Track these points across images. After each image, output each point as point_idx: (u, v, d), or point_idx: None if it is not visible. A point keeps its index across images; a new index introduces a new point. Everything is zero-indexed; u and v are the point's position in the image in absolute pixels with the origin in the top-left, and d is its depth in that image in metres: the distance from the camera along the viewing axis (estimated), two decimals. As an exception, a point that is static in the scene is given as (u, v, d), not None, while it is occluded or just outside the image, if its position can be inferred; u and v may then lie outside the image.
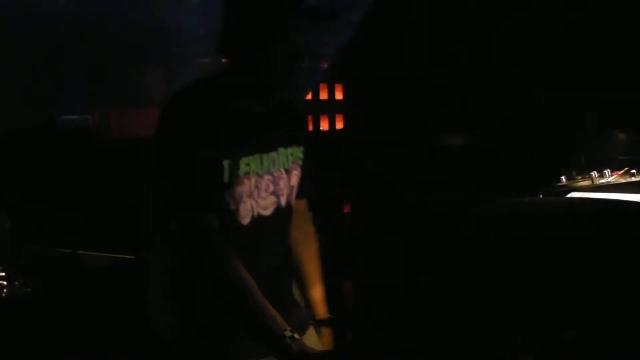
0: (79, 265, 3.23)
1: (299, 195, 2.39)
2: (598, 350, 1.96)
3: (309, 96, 5.25)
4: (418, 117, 5.28)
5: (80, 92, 3.39)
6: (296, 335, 2.03)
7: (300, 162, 2.34)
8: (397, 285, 3.75)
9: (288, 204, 2.31)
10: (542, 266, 2.35)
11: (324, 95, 5.41)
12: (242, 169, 2.13)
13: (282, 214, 2.29)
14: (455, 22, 5.05)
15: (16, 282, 2.97)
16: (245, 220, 2.17)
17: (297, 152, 2.34)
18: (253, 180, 2.16)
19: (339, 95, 5.53)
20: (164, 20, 3.38)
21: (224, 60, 2.19)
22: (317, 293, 2.43)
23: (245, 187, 2.14)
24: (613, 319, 2.14)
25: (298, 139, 2.35)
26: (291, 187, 2.31)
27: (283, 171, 2.27)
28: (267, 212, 2.23)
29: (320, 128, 5.35)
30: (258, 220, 2.20)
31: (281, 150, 2.26)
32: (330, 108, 5.45)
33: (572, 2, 4.60)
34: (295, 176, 2.33)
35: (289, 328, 2.03)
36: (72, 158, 3.84)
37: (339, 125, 5.51)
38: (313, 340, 2.33)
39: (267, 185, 2.21)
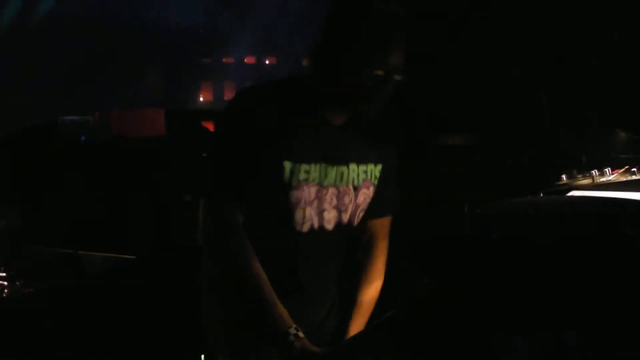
0: (80, 265, 3.23)
1: (376, 214, 2.34)
2: (598, 351, 1.96)
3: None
4: (417, 116, 5.28)
5: (81, 93, 3.39)
6: (300, 334, 2.03)
7: (375, 180, 2.28)
8: (396, 286, 3.75)
9: (350, 221, 2.25)
10: (542, 266, 2.35)
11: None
12: (301, 175, 2.10)
13: (343, 230, 2.24)
14: (454, 21, 5.05)
15: (17, 282, 2.98)
16: (304, 227, 2.14)
17: (374, 170, 2.27)
18: (313, 190, 2.13)
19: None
20: (164, 21, 3.39)
21: (306, 64, 2.17)
22: (353, 326, 2.32)
23: (302, 193, 2.11)
24: (613, 320, 2.14)
25: (378, 156, 2.28)
26: (357, 205, 2.25)
27: (351, 187, 2.21)
28: (329, 226, 2.19)
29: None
30: (319, 232, 2.17)
31: (352, 165, 2.20)
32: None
33: (572, 1, 4.60)
34: (364, 195, 2.26)
35: (294, 326, 2.04)
36: (73, 158, 3.84)
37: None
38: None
39: (331, 199, 2.17)
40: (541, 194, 3.78)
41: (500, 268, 2.36)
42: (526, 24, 4.81)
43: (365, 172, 2.25)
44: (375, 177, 2.28)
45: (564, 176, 4.04)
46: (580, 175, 4.06)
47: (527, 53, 4.75)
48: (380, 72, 2.05)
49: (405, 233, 4.50)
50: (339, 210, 2.21)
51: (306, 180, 2.11)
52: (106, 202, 3.87)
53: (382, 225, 2.39)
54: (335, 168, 2.16)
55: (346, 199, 2.21)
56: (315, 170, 2.12)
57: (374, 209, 2.32)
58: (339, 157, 2.17)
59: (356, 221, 2.28)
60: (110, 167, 4.06)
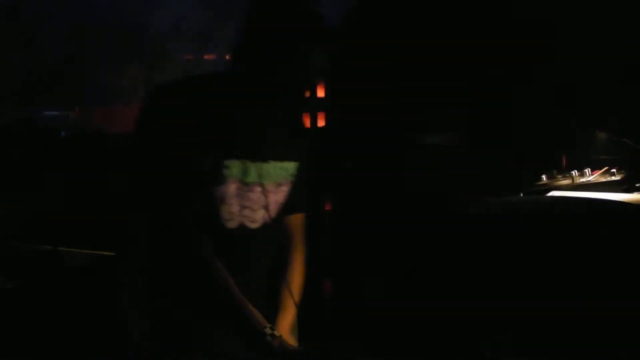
0: (60, 261, 3.21)
1: (293, 210, 2.35)
2: (584, 351, 1.98)
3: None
4: (400, 115, 5.28)
5: (61, 88, 3.37)
6: (276, 333, 2.03)
7: (292, 178, 2.28)
8: (378, 285, 3.75)
9: (275, 219, 2.26)
10: (521, 265, 2.36)
11: (305, 93, 5.40)
12: (222, 170, 2.09)
13: (269, 229, 2.24)
14: (440, 20, 5.06)
15: (-4, 279, 2.96)
16: (230, 224, 2.13)
17: (291, 167, 2.28)
18: (233, 186, 2.11)
19: (320, 93, 5.52)
20: (145, 17, 3.37)
21: (227, 58, 2.17)
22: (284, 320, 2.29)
23: (223, 189, 2.09)
24: (591, 318, 2.15)
25: (295, 153, 2.29)
26: (279, 203, 2.26)
27: (273, 185, 2.22)
28: (254, 225, 2.18)
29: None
30: (244, 230, 2.16)
31: (273, 163, 2.21)
32: (312, 106, 5.44)
33: (556, 3, 4.62)
34: (283, 193, 2.26)
35: (269, 325, 2.04)
36: (51, 154, 3.81)
37: (321, 123, 5.51)
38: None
39: (258, 197, 2.17)
40: (521, 194, 3.80)
41: (480, 267, 2.37)
42: (506, 22, 4.82)
43: (286, 169, 2.25)
44: (293, 175, 2.29)
45: (544, 176, 4.07)
46: (560, 176, 4.09)
47: (508, 52, 4.77)
48: (300, 66, 2.06)
49: (386, 231, 4.51)
50: (266, 209, 2.20)
51: (227, 176, 2.09)
52: (85, 198, 3.85)
53: (297, 221, 2.40)
54: (255, 165, 2.15)
55: (270, 197, 2.20)
56: (235, 166, 2.11)
57: (290, 206, 2.33)
58: (259, 153, 2.16)
59: (279, 218, 2.28)
60: (90, 163, 4.04)
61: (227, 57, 2.18)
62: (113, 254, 3.28)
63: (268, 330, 2.02)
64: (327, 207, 5.22)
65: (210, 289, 2.07)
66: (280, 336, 2.04)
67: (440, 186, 4.59)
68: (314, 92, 5.45)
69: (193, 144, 2.04)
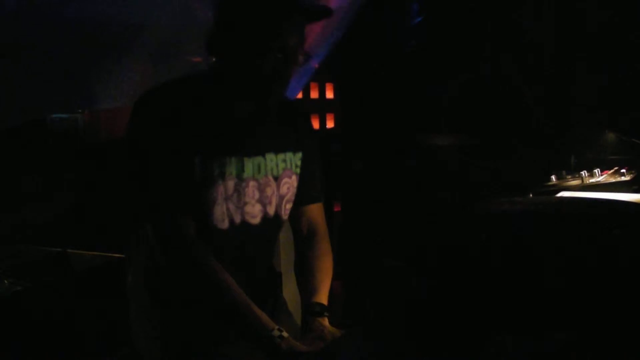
0: (69, 264, 3.22)
1: (307, 201, 2.32)
2: (587, 352, 1.96)
3: (300, 95, 5.24)
4: (408, 117, 5.28)
5: (70, 90, 3.38)
6: (284, 334, 2.00)
7: (296, 169, 2.25)
8: (388, 285, 3.75)
9: (277, 214, 2.22)
10: (531, 266, 2.36)
11: (314, 94, 5.41)
12: (215, 170, 2.05)
13: (270, 224, 2.21)
14: (447, 24, 5.05)
15: (5, 281, 2.97)
16: (222, 224, 2.10)
17: (293, 158, 2.24)
18: (231, 184, 2.08)
19: (329, 95, 5.53)
20: (154, 18, 3.37)
21: (213, 58, 2.13)
22: (319, 278, 2.27)
23: (219, 188, 2.07)
24: (603, 320, 2.14)
25: (296, 144, 2.25)
26: (281, 197, 2.22)
27: (271, 178, 2.18)
28: (254, 221, 2.15)
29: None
30: (242, 227, 2.14)
31: (270, 156, 2.17)
32: (321, 107, 5.45)
33: (562, 3, 4.61)
34: (287, 185, 2.23)
35: (277, 327, 2.01)
36: (62, 157, 3.82)
37: (330, 124, 5.51)
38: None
39: (253, 192, 2.14)
40: (530, 195, 3.79)
41: (489, 268, 2.36)
42: (515, 23, 4.82)
43: (285, 161, 2.22)
44: (297, 166, 2.25)
45: (553, 177, 4.05)
46: (569, 176, 4.07)
47: (518, 54, 4.76)
48: (280, 54, 2.01)
49: (394, 232, 4.51)
50: (263, 203, 2.16)
51: (222, 174, 2.06)
52: (95, 200, 3.86)
53: (316, 211, 2.37)
54: (251, 159, 2.12)
55: (268, 191, 2.17)
56: (230, 163, 2.08)
57: (303, 196, 2.30)
58: (254, 147, 2.13)
59: (283, 213, 2.24)
60: (100, 165, 4.05)
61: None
62: (122, 256, 3.29)
63: (276, 332, 1.98)
64: (337, 209, 5.23)
65: (210, 293, 2.04)
66: (289, 338, 2.01)
67: (449, 187, 4.59)
68: (323, 93, 5.46)
69: (186, 145, 2.01)
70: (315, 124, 5.39)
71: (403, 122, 5.30)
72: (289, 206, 2.26)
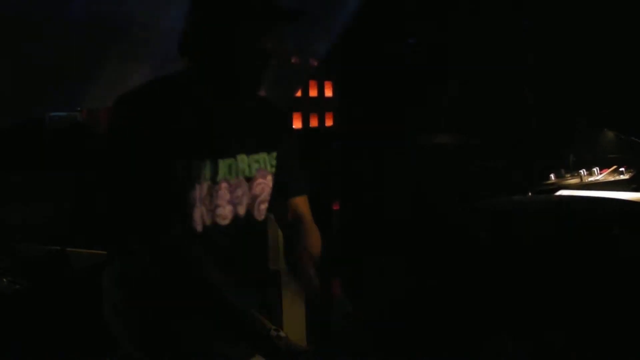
0: (68, 262, 3.22)
1: (289, 195, 2.31)
2: (587, 352, 1.97)
3: (299, 93, 5.24)
4: (407, 115, 5.28)
5: (69, 88, 3.37)
6: (282, 333, 1.99)
7: (271, 169, 2.23)
8: (386, 285, 3.75)
9: (249, 214, 2.20)
10: (529, 264, 2.36)
11: (313, 93, 5.39)
12: (192, 172, 2.03)
13: (242, 224, 2.18)
14: (445, 22, 5.05)
15: (4, 280, 2.96)
16: (198, 227, 2.08)
17: (267, 158, 2.23)
18: (205, 186, 2.06)
19: (328, 93, 5.52)
20: (153, 17, 3.37)
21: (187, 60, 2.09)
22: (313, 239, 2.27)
23: (196, 192, 2.04)
24: (600, 318, 2.14)
25: (269, 143, 2.24)
26: (253, 196, 2.20)
27: (243, 179, 2.16)
28: (225, 222, 2.13)
29: (310, 125, 5.33)
30: (213, 229, 2.11)
31: (241, 157, 2.15)
32: (320, 105, 5.44)
33: (564, 4, 4.61)
34: (261, 185, 2.21)
35: (274, 327, 2.00)
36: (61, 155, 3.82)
37: (329, 122, 5.51)
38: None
39: (224, 194, 2.12)
40: (529, 193, 3.79)
41: (488, 266, 2.36)
42: (514, 23, 4.82)
43: (258, 161, 2.20)
44: (272, 166, 2.24)
45: (552, 175, 4.06)
46: (568, 175, 4.08)
47: (517, 53, 4.76)
48: (254, 55, 2.01)
49: (393, 231, 4.50)
50: (233, 203, 2.14)
51: (197, 177, 2.04)
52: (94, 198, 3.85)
53: (302, 203, 2.35)
54: (224, 161, 2.10)
55: (239, 192, 2.15)
56: (205, 166, 2.06)
57: (288, 190, 2.30)
58: (226, 149, 2.11)
59: (257, 213, 2.22)
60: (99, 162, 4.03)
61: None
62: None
63: (273, 332, 1.97)
64: (335, 207, 5.23)
65: (206, 294, 2.02)
66: (287, 337, 2.00)
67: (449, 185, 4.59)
68: (322, 91, 5.45)
69: (160, 150, 1.99)
70: (314, 122, 5.39)
71: (403, 121, 5.29)
72: (263, 206, 2.25)
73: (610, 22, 4.37)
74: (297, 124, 5.23)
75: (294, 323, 3.10)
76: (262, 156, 2.22)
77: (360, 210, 5.24)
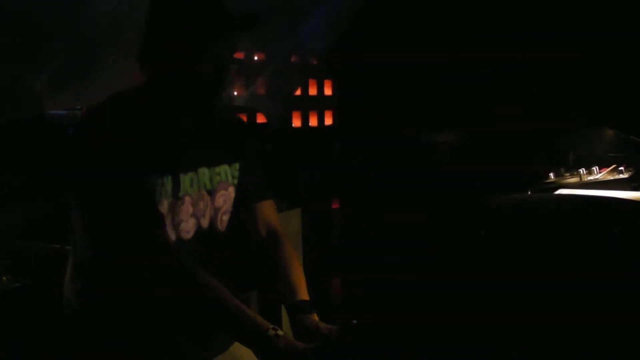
0: (67, 260, 3.22)
1: (257, 199, 2.30)
2: (585, 349, 1.97)
3: (298, 92, 5.24)
4: (407, 114, 5.28)
5: (69, 87, 3.37)
6: (280, 332, 1.97)
7: (233, 180, 2.22)
8: (387, 283, 3.75)
9: (213, 226, 2.19)
10: (529, 262, 2.36)
11: (313, 91, 5.39)
12: (157, 189, 2.00)
13: (205, 237, 2.17)
14: (445, 20, 5.05)
15: (4, 278, 2.96)
16: (169, 240, 2.05)
17: (228, 170, 2.22)
18: (167, 202, 2.03)
19: (328, 91, 5.52)
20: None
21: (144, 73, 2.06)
22: (295, 277, 2.23)
23: (162, 208, 2.02)
24: (600, 318, 2.14)
25: (231, 155, 2.23)
26: (215, 209, 2.19)
27: (204, 192, 2.14)
28: (188, 236, 2.11)
29: (309, 124, 5.33)
30: (178, 243, 2.09)
31: (202, 170, 2.13)
32: (319, 104, 5.44)
33: (563, 2, 4.61)
34: (224, 197, 2.20)
35: (272, 326, 1.98)
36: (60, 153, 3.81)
37: (328, 121, 5.50)
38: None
39: (187, 208, 2.10)
40: (529, 192, 3.79)
41: (488, 264, 2.36)
42: (515, 23, 4.82)
43: (219, 174, 2.19)
44: (234, 177, 2.23)
45: (551, 174, 4.06)
46: (568, 174, 4.08)
47: (517, 52, 4.76)
48: (211, 64, 1.99)
49: (393, 229, 4.50)
50: (197, 216, 2.13)
51: (161, 193, 2.02)
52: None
53: (269, 209, 2.34)
54: (185, 176, 2.08)
55: (201, 205, 2.13)
56: (168, 182, 2.03)
57: (253, 196, 2.29)
58: (188, 163, 2.09)
59: (220, 225, 2.21)
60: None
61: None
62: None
63: (271, 332, 1.94)
64: (335, 205, 5.23)
65: (201, 298, 2.00)
66: (285, 335, 1.98)
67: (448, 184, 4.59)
68: (321, 89, 5.45)
69: (122, 169, 1.95)
70: (314, 121, 5.38)
71: (401, 119, 5.30)
72: (225, 217, 2.24)
73: (610, 22, 4.37)
74: (296, 122, 5.23)
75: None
76: (224, 168, 2.21)
77: (360, 210, 5.25)
